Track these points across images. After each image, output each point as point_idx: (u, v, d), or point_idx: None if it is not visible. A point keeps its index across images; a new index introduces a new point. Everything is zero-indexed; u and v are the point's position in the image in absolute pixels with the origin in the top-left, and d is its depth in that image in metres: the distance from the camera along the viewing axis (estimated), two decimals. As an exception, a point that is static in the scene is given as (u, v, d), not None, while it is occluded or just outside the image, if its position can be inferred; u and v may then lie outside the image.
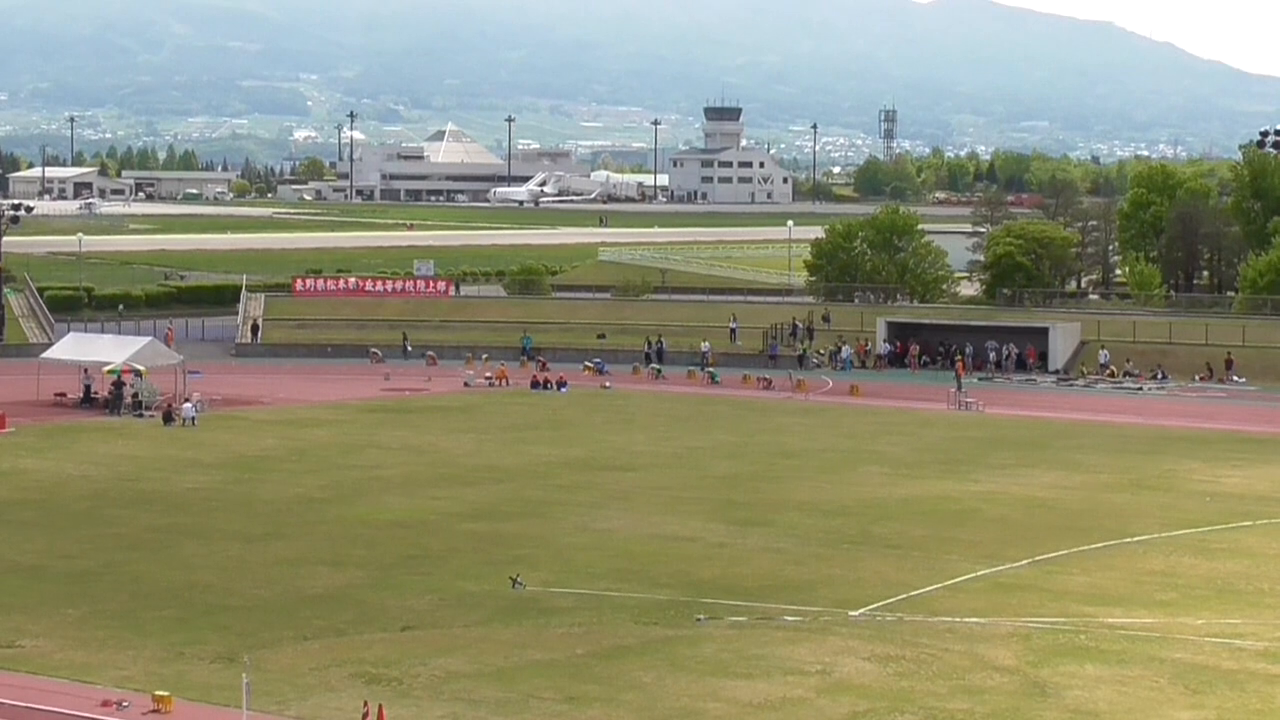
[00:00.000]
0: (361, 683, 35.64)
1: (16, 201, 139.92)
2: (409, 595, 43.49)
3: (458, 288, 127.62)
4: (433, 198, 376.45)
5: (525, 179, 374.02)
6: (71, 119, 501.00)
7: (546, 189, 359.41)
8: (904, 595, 44.06)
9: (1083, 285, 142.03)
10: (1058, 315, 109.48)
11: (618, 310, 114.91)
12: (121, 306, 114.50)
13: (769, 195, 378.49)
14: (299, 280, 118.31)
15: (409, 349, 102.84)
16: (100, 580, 45.20)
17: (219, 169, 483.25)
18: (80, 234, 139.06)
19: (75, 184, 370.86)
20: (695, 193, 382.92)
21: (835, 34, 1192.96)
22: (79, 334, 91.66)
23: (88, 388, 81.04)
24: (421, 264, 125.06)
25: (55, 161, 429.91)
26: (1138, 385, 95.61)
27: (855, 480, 62.61)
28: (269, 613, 41.64)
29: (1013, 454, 69.60)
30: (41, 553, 48.60)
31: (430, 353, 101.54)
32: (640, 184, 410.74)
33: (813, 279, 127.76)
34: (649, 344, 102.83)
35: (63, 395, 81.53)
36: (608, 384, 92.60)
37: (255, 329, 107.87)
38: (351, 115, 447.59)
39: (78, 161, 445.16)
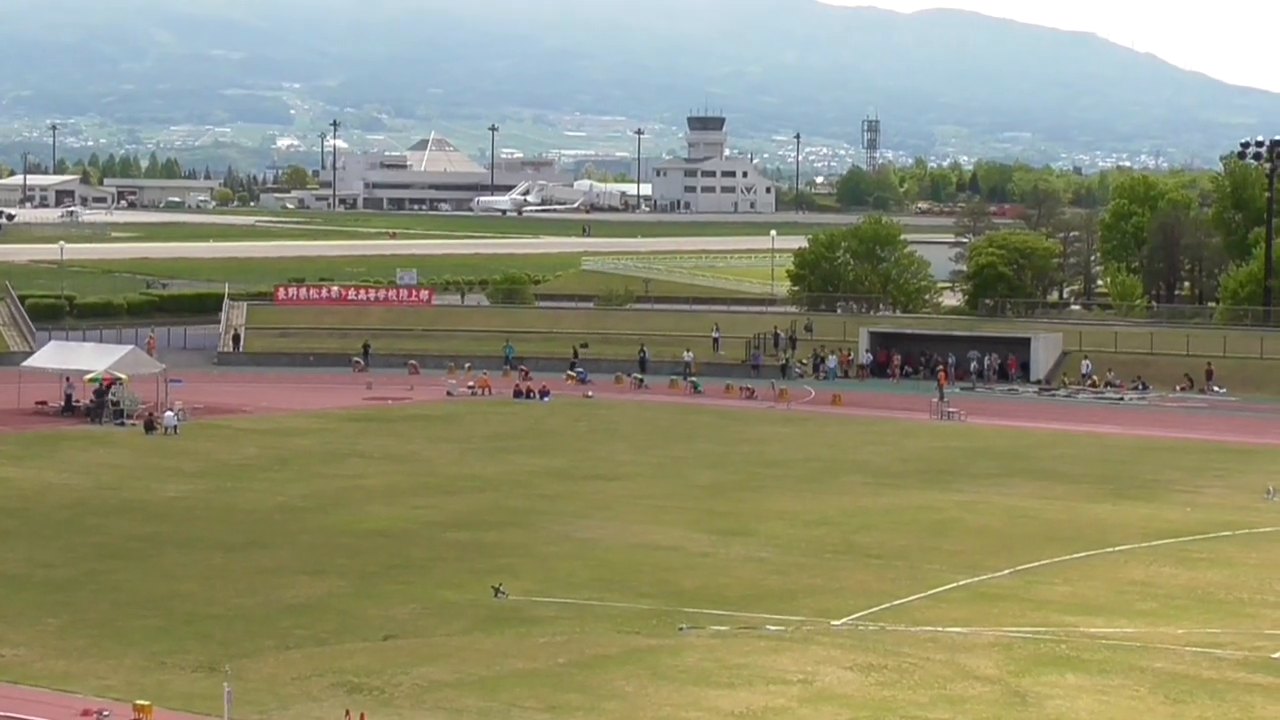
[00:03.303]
0: (343, 692, 35.61)
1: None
2: (391, 604, 43.46)
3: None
4: (416, 206, 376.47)
5: (509, 188, 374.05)
6: (54, 126, 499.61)
7: (530, 198, 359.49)
8: (886, 605, 44.11)
9: (1065, 296, 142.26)
10: (1040, 325, 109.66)
11: (601, 320, 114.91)
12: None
13: (752, 205, 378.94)
14: (281, 289, 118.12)
15: (368, 355, 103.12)
16: (81, 589, 45.12)
17: (201, 177, 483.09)
18: (62, 242, 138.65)
19: (57, 192, 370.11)
20: (678, 202, 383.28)
21: (819, 45, 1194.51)
22: (60, 342, 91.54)
23: (69, 396, 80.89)
24: (404, 273, 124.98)
25: (37, 169, 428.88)
26: (1119, 395, 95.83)
27: (837, 490, 62.67)
28: (250, 622, 41.59)
29: (994, 464, 69.74)
30: (22, 561, 48.51)
31: (413, 361, 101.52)
32: (623, 193, 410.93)
33: (795, 289, 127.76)
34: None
35: (44, 404, 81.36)
36: (590, 393, 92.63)
37: (237, 338, 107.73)
38: (335, 124, 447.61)
39: (60, 169, 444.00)
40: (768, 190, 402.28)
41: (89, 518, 55.22)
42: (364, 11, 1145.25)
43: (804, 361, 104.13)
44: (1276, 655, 39.89)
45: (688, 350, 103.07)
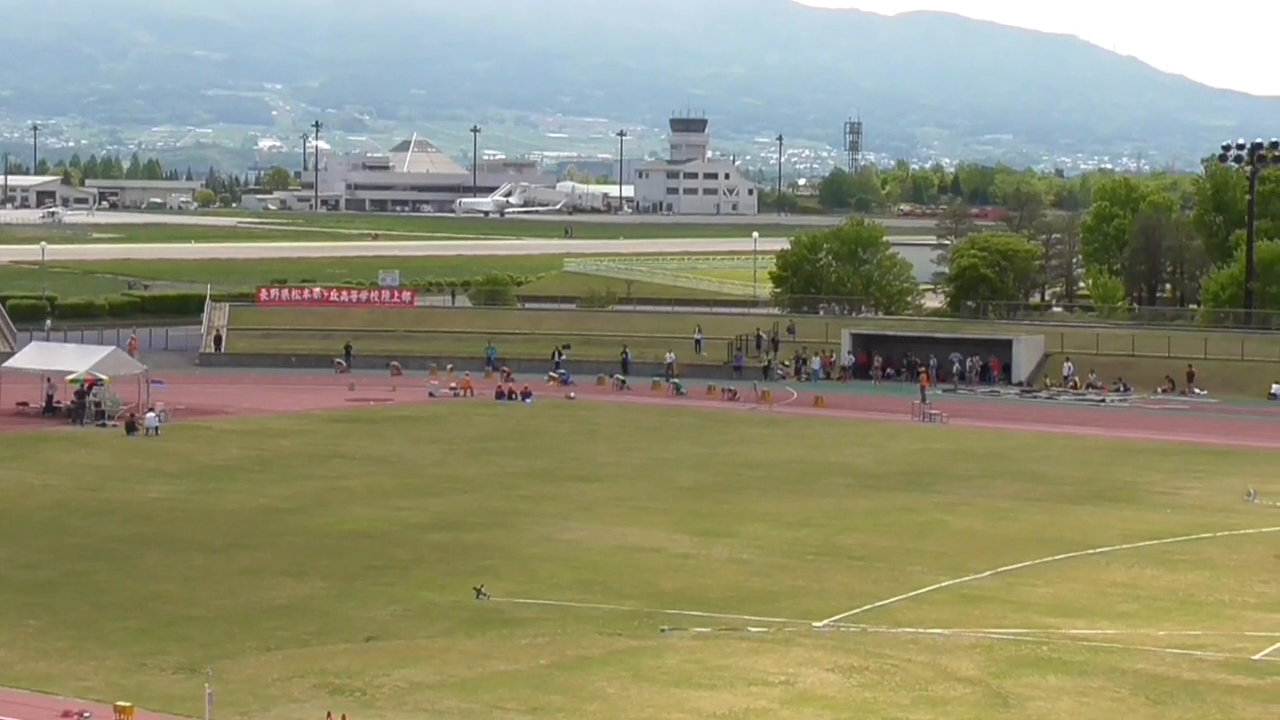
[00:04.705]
0: (325, 693, 35.56)
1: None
2: (373, 606, 43.41)
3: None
4: (398, 208, 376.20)
5: (491, 189, 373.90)
6: (35, 127, 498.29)
7: (512, 199, 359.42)
8: (868, 606, 44.14)
9: (1046, 298, 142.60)
10: (1021, 327, 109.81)
11: (583, 321, 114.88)
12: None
13: (734, 207, 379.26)
14: (263, 290, 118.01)
15: (350, 357, 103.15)
16: (62, 590, 45.01)
17: (183, 178, 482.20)
18: (43, 243, 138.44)
19: (38, 193, 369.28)
20: (661, 204, 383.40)
21: (801, 46, 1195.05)
22: (42, 343, 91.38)
23: (50, 397, 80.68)
24: (386, 274, 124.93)
25: (18, 170, 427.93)
26: (1100, 397, 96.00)
27: (819, 491, 62.69)
28: (232, 623, 41.52)
29: (976, 465, 69.81)
30: (2, 563, 48.33)
31: (395, 362, 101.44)
32: (606, 195, 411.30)
33: (778, 290, 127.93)
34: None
35: (25, 405, 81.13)
36: (572, 394, 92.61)
37: (219, 339, 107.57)
38: (316, 125, 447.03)
39: (41, 170, 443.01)
40: (750, 192, 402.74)
41: (70, 519, 55.10)
42: (345, 12, 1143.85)
43: (786, 363, 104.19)
44: (1257, 657, 39.98)
45: (670, 352, 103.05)
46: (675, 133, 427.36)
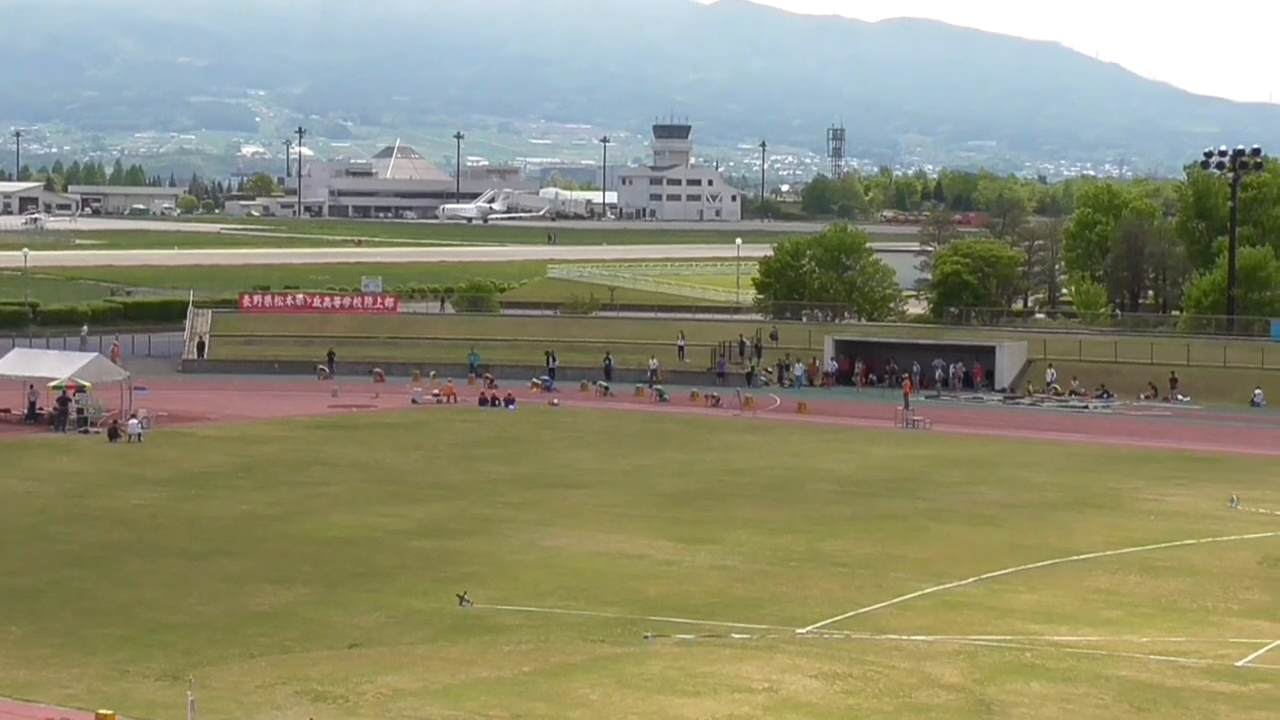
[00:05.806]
0: (308, 700, 35.49)
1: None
2: (356, 613, 43.34)
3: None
4: (381, 214, 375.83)
5: (474, 196, 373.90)
6: (18, 133, 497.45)
7: (495, 206, 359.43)
8: (851, 613, 44.14)
9: (1029, 304, 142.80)
10: (1004, 334, 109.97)
11: (566, 328, 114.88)
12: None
13: (717, 213, 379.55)
14: (246, 296, 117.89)
15: (333, 363, 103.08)
16: (44, 597, 44.89)
17: (166, 184, 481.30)
18: (26, 249, 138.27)
19: (21, 199, 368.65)
20: (644, 210, 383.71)
21: (784, 52, 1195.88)
22: (24, 350, 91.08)
23: (32, 404, 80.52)
24: (370, 280, 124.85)
25: (1, 176, 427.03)
26: (1083, 404, 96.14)
27: (803, 498, 62.70)
28: (214, 630, 41.43)
29: (959, 472, 69.84)
30: (-15, 570, 48.26)
31: (378, 369, 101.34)
32: (589, 201, 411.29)
33: (761, 297, 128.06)
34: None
35: (7, 411, 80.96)
36: (555, 401, 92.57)
37: (202, 345, 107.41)
38: (300, 131, 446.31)
39: (24, 176, 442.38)
40: (733, 198, 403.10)
41: (52, 526, 54.97)
42: (329, 19, 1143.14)
43: (769, 369, 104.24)
44: (1240, 663, 40.04)
45: (653, 358, 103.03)
46: (658, 139, 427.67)
